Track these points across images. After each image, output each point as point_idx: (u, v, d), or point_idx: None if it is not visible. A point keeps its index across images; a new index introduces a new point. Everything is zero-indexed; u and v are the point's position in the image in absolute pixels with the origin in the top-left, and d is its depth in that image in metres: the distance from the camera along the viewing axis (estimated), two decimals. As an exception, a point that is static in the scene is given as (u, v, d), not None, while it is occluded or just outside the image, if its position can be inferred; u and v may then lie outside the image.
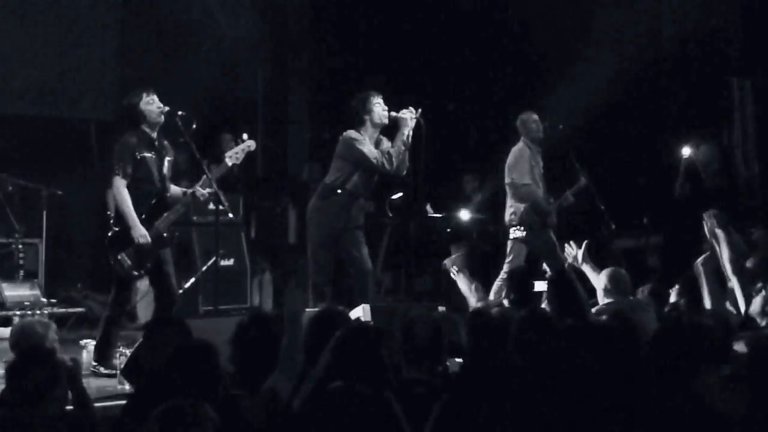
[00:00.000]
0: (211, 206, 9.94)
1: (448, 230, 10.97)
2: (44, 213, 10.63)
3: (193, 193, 7.67)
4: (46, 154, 11.46)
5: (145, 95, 7.51)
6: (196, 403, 3.29)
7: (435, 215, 10.90)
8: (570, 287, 6.54)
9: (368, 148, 8.30)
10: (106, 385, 6.82)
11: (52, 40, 11.73)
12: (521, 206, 9.52)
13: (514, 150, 9.68)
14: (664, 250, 10.84)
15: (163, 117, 7.54)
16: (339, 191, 8.32)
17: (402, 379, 4.71)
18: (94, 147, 11.83)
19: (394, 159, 8.30)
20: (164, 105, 7.54)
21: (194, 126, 7.61)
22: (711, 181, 10.36)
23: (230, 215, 8.12)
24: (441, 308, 7.83)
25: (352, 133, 8.36)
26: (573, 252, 7.76)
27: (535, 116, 9.72)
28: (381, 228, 10.55)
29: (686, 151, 10.58)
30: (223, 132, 11.25)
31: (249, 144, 7.94)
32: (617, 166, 11.24)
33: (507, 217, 9.68)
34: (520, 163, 9.58)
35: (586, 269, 7.56)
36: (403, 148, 8.33)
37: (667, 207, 10.76)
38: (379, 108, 8.36)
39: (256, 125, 12.72)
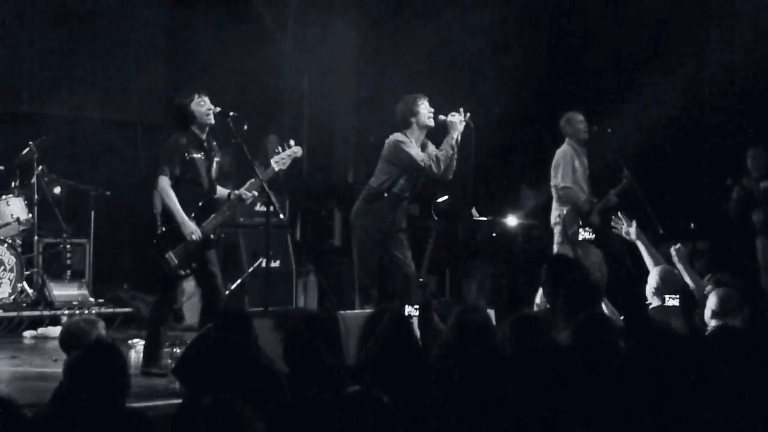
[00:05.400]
0: (259, 207, 10.04)
1: (494, 234, 10.91)
2: (92, 213, 10.73)
3: (240, 196, 7.63)
4: (94, 155, 11.56)
5: (196, 96, 7.48)
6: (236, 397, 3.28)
7: (480, 219, 10.83)
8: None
9: (415, 151, 8.29)
10: (157, 384, 6.83)
11: (100, 43, 11.83)
12: (564, 209, 9.51)
13: (558, 152, 9.72)
14: (711, 255, 10.70)
15: (212, 119, 7.52)
16: (385, 194, 8.33)
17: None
18: (141, 148, 11.91)
19: (441, 162, 8.28)
20: (214, 106, 7.56)
21: (245, 127, 7.61)
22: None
23: (281, 216, 8.08)
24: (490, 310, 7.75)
25: (398, 135, 8.35)
26: (624, 226, 7.41)
27: (581, 116, 9.70)
28: (426, 231, 10.51)
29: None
30: (269, 133, 11.26)
31: (296, 150, 7.78)
32: (664, 169, 11.13)
33: (552, 220, 9.69)
34: (563, 166, 9.59)
35: (640, 245, 7.20)
36: (451, 151, 8.32)
37: (716, 212, 10.63)
38: (425, 110, 8.34)
39: (302, 128, 12.75)
